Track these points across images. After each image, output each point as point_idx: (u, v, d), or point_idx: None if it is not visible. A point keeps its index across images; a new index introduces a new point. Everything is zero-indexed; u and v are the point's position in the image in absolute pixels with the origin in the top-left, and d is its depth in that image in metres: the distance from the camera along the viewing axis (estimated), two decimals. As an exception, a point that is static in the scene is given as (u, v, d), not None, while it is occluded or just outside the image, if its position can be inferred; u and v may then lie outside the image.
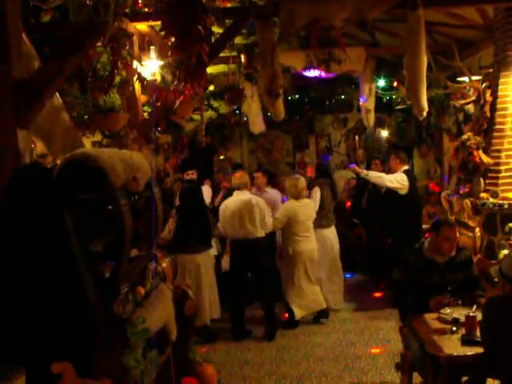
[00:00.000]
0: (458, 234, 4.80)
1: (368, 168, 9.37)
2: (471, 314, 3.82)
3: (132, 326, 3.01)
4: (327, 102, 11.61)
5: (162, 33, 3.88)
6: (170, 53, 3.71)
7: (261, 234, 6.64)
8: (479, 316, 3.70)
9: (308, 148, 12.59)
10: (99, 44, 4.22)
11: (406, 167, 7.49)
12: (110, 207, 3.20)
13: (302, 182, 7.04)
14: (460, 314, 4.00)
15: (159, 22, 4.58)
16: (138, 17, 5.32)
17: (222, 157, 11.12)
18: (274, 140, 12.31)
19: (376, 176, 7.40)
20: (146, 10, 5.30)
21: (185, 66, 3.52)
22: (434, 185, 9.73)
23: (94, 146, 5.67)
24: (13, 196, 2.86)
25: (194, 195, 6.64)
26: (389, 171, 7.88)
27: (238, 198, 6.66)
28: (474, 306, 4.03)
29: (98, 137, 5.71)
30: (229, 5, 6.07)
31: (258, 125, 8.74)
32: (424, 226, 7.94)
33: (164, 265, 4.12)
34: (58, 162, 3.74)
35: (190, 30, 3.42)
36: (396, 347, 5.76)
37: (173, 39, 3.57)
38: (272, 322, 6.72)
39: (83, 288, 2.86)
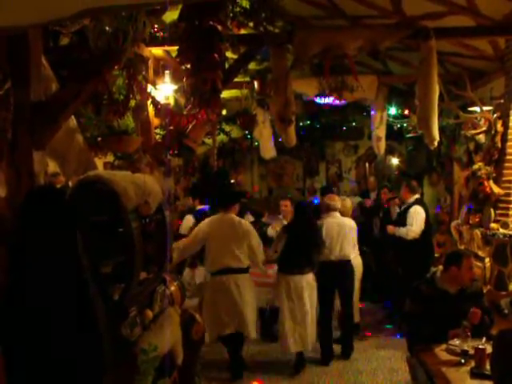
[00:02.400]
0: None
1: (378, 196, 9.39)
2: (480, 347, 3.77)
3: (143, 353, 3.00)
4: (338, 129, 11.67)
5: (178, 59, 3.94)
6: (184, 79, 3.77)
7: (351, 256, 6.68)
8: (489, 348, 3.66)
9: (318, 174, 12.65)
10: (115, 68, 4.29)
11: (416, 196, 7.47)
12: (121, 230, 3.23)
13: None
14: (469, 345, 3.96)
15: (174, 47, 4.67)
16: (153, 42, 5.41)
17: (232, 181, 11.17)
18: (284, 165, 12.36)
19: (406, 234, 7.29)
20: (161, 34, 5.39)
21: (199, 93, 3.57)
22: (444, 214, 9.69)
23: (106, 167, 5.72)
24: (26, 217, 2.89)
25: (305, 216, 6.48)
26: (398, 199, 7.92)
27: (335, 220, 6.62)
28: (484, 338, 3.99)
29: (110, 158, 5.75)
30: (243, 31, 6.17)
31: (269, 150, 8.80)
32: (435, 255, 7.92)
33: (172, 288, 4.13)
34: (71, 183, 3.79)
35: (206, 57, 3.48)
36: (403, 377, 5.69)
37: (188, 66, 3.63)
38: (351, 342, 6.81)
39: (92, 309, 2.86)
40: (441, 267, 4.65)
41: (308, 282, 6.24)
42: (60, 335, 2.78)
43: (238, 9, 5.25)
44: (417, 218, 7.12)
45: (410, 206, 7.27)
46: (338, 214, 6.70)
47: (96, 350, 2.82)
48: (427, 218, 7.37)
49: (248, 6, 5.26)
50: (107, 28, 2.98)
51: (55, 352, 2.78)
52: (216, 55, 3.51)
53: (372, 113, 8.93)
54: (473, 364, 3.77)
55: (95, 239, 3.05)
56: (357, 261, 7.05)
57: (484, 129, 6.86)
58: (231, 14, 4.55)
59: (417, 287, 4.60)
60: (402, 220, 7.35)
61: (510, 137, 6.33)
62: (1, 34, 2.29)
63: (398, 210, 7.89)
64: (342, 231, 6.58)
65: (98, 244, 3.07)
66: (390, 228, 7.44)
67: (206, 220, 6.16)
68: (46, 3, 1.61)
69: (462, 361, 3.86)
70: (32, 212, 2.89)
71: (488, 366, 3.59)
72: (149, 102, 5.31)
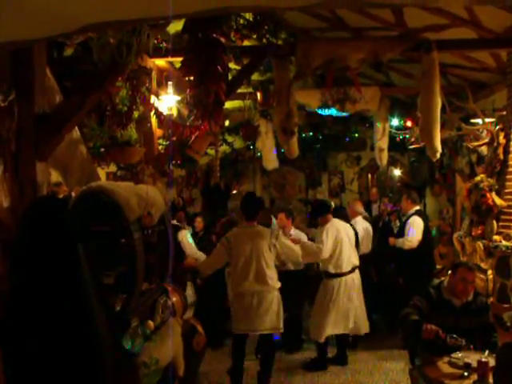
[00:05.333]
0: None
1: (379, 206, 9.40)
2: (484, 360, 3.74)
3: (145, 366, 2.99)
4: (341, 140, 11.69)
5: (181, 70, 3.95)
6: (188, 90, 3.78)
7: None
8: (491, 361, 3.64)
9: (321, 185, 12.65)
10: (119, 79, 4.31)
11: (417, 207, 7.46)
12: (123, 241, 3.24)
13: None
14: (472, 358, 3.93)
15: (178, 59, 4.69)
16: (157, 53, 5.44)
17: (234, 191, 11.19)
18: (286, 176, 12.38)
19: (403, 244, 7.30)
20: (164, 44, 5.41)
21: (202, 104, 3.58)
22: (446, 225, 9.67)
23: (109, 177, 5.73)
24: (28, 227, 2.90)
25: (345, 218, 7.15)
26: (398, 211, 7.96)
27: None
28: (487, 351, 3.96)
29: (112, 168, 5.77)
30: (246, 43, 6.19)
31: (271, 161, 8.81)
32: (436, 267, 7.89)
33: (174, 299, 4.12)
34: (73, 193, 3.80)
35: (210, 69, 3.49)
36: (406, 390, 5.66)
37: (192, 77, 3.64)
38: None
39: (93, 320, 2.87)
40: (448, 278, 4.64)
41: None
42: (60, 345, 2.78)
43: (241, 21, 5.29)
44: (413, 228, 7.14)
45: (410, 216, 7.30)
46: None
47: (96, 360, 2.82)
48: (427, 229, 7.37)
49: (251, 19, 5.30)
50: (111, 40, 3.00)
51: (55, 362, 2.78)
52: (219, 67, 3.53)
53: (374, 124, 8.94)
54: (476, 377, 3.74)
55: (97, 250, 3.06)
56: None
57: (486, 141, 6.86)
58: (235, 27, 4.57)
59: (426, 289, 4.60)
60: (402, 231, 7.37)
61: (512, 149, 6.33)
62: (7, 48, 2.31)
63: (398, 223, 7.89)
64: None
65: (99, 254, 3.08)
66: (391, 239, 7.48)
67: (332, 225, 6.52)
68: (50, 18, 1.63)
69: (465, 374, 3.83)
70: (34, 222, 2.90)
71: (491, 380, 3.56)
72: (152, 113, 5.33)
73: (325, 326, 6.48)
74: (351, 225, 7.04)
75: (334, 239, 6.42)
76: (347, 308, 6.52)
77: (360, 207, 8.02)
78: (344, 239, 6.49)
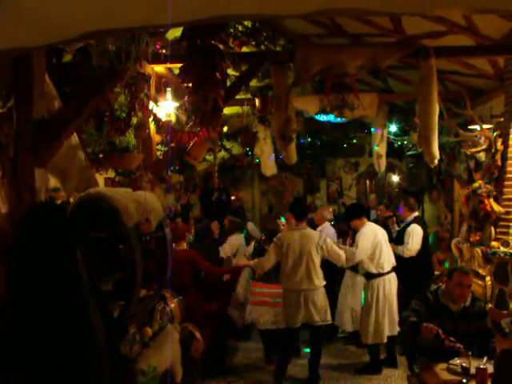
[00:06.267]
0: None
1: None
2: (482, 366, 3.73)
3: (142, 374, 2.99)
4: (339, 146, 11.70)
5: (180, 77, 3.96)
6: (186, 97, 3.78)
7: None
8: (490, 368, 3.63)
9: (319, 191, 12.66)
10: (118, 85, 4.31)
11: (415, 214, 7.46)
12: (121, 247, 3.23)
13: None
14: (470, 365, 3.91)
15: (176, 65, 4.70)
16: (155, 59, 5.44)
17: (233, 197, 11.18)
18: (285, 182, 12.38)
19: (402, 252, 7.29)
20: (164, 51, 5.42)
21: (201, 111, 3.59)
22: (444, 231, 9.66)
23: (107, 183, 5.72)
24: (26, 233, 2.90)
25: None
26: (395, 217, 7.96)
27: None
28: (485, 358, 3.95)
29: (110, 174, 5.77)
30: (245, 49, 6.21)
31: (269, 167, 8.81)
32: (435, 273, 7.88)
33: (172, 305, 4.11)
34: (72, 199, 3.79)
35: (208, 75, 3.50)
36: (404, 396, 5.64)
37: (190, 84, 3.65)
38: None
39: (91, 326, 2.86)
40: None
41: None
42: (58, 351, 2.78)
43: (240, 28, 5.30)
44: (413, 237, 7.13)
45: (408, 224, 7.28)
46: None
47: (94, 367, 2.81)
48: (425, 235, 7.37)
49: (250, 26, 5.31)
50: (110, 47, 3.00)
51: (52, 369, 2.77)
52: (218, 74, 3.54)
53: (373, 130, 8.96)
54: (474, 384, 3.74)
55: (95, 256, 3.06)
56: None
57: (484, 147, 6.86)
58: (233, 33, 4.57)
59: (424, 294, 4.60)
60: (401, 238, 7.35)
61: (510, 155, 6.33)
62: (6, 55, 2.31)
63: (397, 227, 7.88)
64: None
65: (98, 261, 3.07)
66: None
67: (369, 228, 6.63)
68: (50, 26, 1.63)
69: (464, 380, 3.81)
70: (32, 228, 2.90)
71: (489, 386, 3.56)
72: (150, 119, 5.33)
73: (384, 328, 6.49)
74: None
75: (372, 241, 6.48)
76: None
77: (329, 214, 8.06)
78: (382, 240, 6.55)
